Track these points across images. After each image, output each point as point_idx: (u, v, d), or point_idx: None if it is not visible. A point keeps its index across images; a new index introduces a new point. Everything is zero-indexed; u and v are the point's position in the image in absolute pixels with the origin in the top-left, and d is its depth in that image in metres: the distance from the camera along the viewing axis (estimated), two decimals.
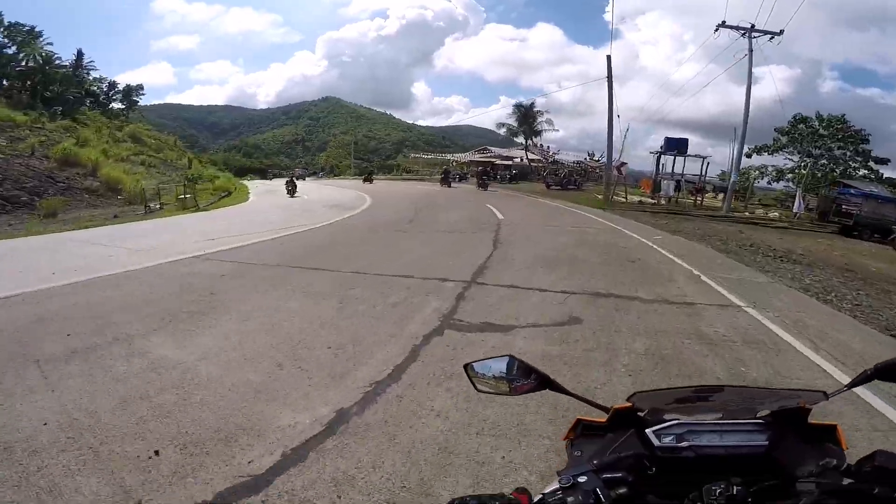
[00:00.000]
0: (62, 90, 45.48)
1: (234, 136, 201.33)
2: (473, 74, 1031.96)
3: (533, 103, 52.54)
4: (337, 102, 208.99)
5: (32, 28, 41.08)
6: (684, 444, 0.76)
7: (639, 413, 0.83)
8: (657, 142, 29.30)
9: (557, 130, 55.98)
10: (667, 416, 0.81)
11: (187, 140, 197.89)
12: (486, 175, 33.04)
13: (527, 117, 50.71)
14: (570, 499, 0.66)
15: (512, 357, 0.94)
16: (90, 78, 50.70)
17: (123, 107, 62.56)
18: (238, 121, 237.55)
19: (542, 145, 53.48)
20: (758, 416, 0.81)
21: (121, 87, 61.55)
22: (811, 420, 0.83)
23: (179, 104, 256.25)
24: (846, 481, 0.67)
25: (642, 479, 0.74)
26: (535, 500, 0.70)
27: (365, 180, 39.05)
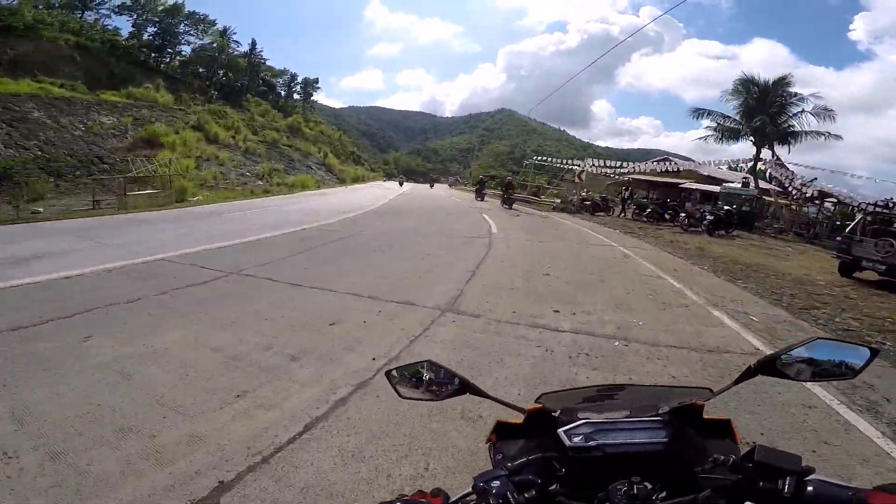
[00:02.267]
0: (232, 77, 50.21)
1: (423, 140, 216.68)
2: (667, 94, 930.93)
3: (783, 79, 23.91)
4: (511, 114, 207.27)
5: (206, 17, 45.58)
6: (592, 443, 0.76)
7: (552, 413, 0.84)
8: None
9: (839, 137, 22.99)
10: (578, 416, 0.82)
11: (385, 140, 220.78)
12: (511, 188, 22.20)
13: (765, 104, 23.52)
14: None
15: (431, 362, 0.93)
16: (263, 66, 55.47)
17: (299, 98, 68.26)
18: (427, 126, 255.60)
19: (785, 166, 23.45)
20: (659, 413, 0.82)
21: (300, 80, 67.46)
22: (707, 415, 0.86)
23: (384, 108, 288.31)
24: (735, 477, 0.68)
25: (553, 480, 0.75)
26: (449, 503, 0.71)
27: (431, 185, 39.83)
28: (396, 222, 13.17)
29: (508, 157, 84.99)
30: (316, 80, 66.46)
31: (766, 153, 23.73)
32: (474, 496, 0.69)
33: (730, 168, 25.80)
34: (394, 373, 0.96)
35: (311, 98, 66.87)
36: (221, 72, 48.35)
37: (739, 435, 0.87)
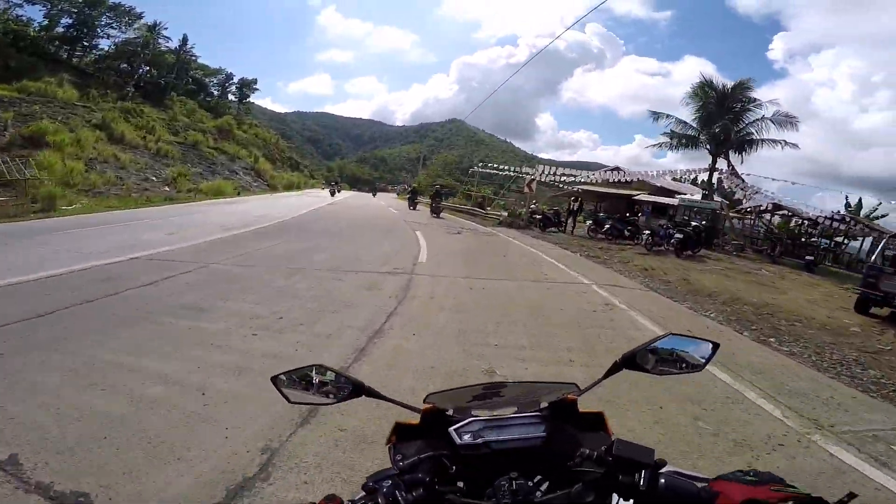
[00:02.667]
0: (156, 74, 46.57)
1: (372, 148, 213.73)
2: (605, 109, 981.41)
3: (743, 83, 22.81)
4: (461, 125, 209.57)
5: (132, 9, 41.98)
6: (480, 440, 0.79)
7: (446, 413, 0.86)
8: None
9: (795, 146, 21.89)
10: (469, 414, 0.85)
11: (332, 147, 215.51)
12: (439, 197, 22.11)
13: (723, 109, 22.26)
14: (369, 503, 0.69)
15: (321, 366, 0.91)
16: (194, 64, 51.83)
17: (235, 99, 64.62)
18: (377, 134, 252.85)
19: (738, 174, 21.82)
20: (541, 408, 0.87)
21: (236, 80, 63.89)
22: (582, 409, 0.90)
23: (333, 114, 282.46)
24: (601, 470, 0.70)
25: (445, 477, 0.76)
26: None
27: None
28: (288, 244, 10.37)
29: (456, 167, 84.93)
30: (254, 81, 63.20)
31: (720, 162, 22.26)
32: (366, 496, 0.70)
33: (674, 179, 23.97)
34: (281, 377, 0.91)
35: (248, 99, 63.41)
36: (146, 68, 44.64)
37: (611, 426, 0.91)
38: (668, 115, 23.81)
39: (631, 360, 0.88)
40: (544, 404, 0.88)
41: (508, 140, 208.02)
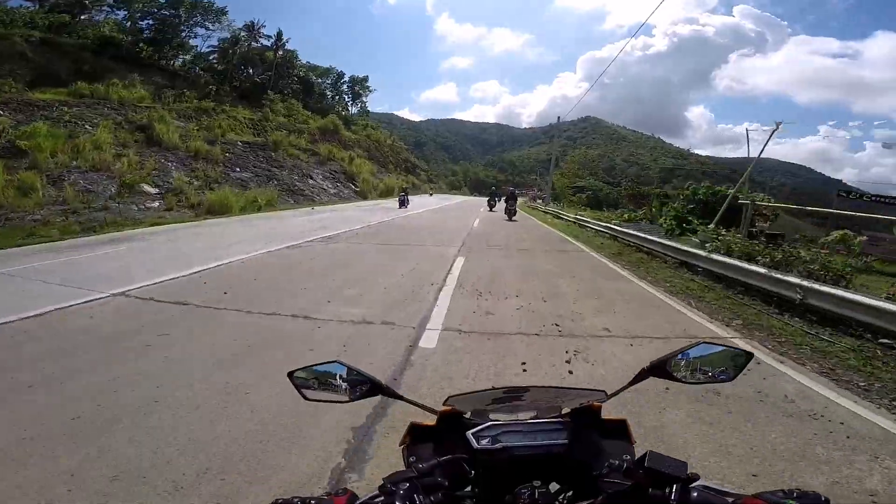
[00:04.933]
0: (253, 73, 42.10)
1: (500, 152, 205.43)
2: (776, 97, 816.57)
3: None
4: (596, 123, 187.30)
5: (212, 3, 37.40)
6: (498, 445, 0.75)
7: (463, 415, 0.83)
8: None
9: None
10: (487, 418, 0.81)
11: (461, 153, 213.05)
12: (514, 198, 19.38)
13: None
14: None
15: (339, 362, 0.86)
16: (298, 63, 46.82)
17: (348, 100, 59.28)
18: (504, 138, 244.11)
19: None
20: (562, 414, 0.84)
21: (347, 79, 58.45)
22: (605, 416, 0.85)
23: (461, 120, 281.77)
24: (628, 482, 0.66)
25: (463, 482, 0.73)
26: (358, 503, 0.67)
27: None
28: None
29: (598, 165, 66.56)
30: (365, 79, 57.20)
31: None
32: (381, 497, 0.65)
33: None
34: (298, 373, 0.86)
35: (362, 98, 57.54)
36: (245, 68, 40.46)
37: (634, 435, 0.86)
38: None
39: (660, 368, 0.84)
40: (566, 410, 0.85)
41: (657, 136, 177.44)
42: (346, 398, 0.85)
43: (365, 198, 28.31)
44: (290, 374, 0.86)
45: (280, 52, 45.11)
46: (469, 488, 0.72)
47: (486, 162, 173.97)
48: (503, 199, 22.01)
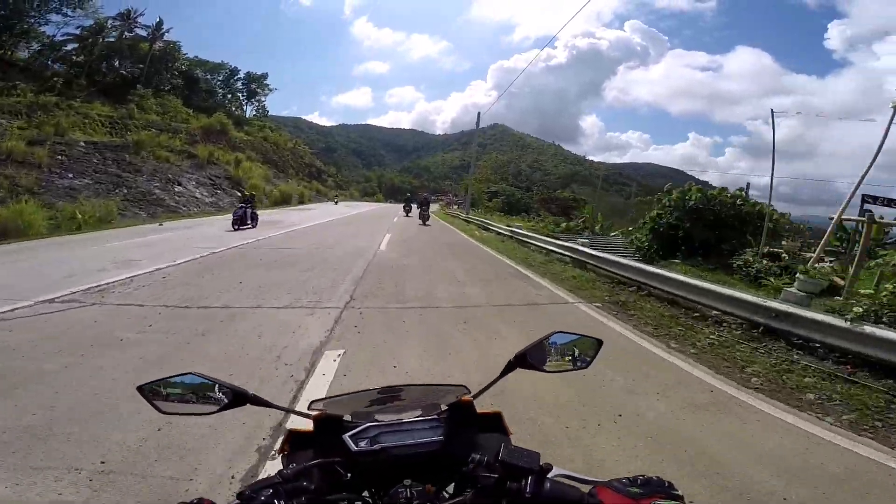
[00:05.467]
0: (119, 66, 36.29)
1: (415, 158, 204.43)
2: (654, 108, 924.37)
3: None
4: (504, 130, 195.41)
5: None
6: (377, 446, 0.74)
7: (342, 419, 0.82)
8: None
9: None
10: (368, 419, 0.81)
11: (375, 158, 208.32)
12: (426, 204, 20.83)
13: None
14: None
15: (194, 374, 0.81)
16: (180, 56, 41.18)
17: (243, 99, 53.89)
18: (419, 144, 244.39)
19: None
20: (438, 412, 0.84)
21: (242, 75, 53.08)
22: (480, 409, 0.87)
23: (375, 126, 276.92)
24: (493, 476, 0.67)
25: (339, 485, 0.72)
26: None
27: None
28: None
29: (506, 170, 68.01)
30: (264, 77, 52.39)
31: None
32: None
33: None
34: (149, 387, 0.80)
35: (259, 97, 52.57)
36: (117, 61, 34.37)
37: (509, 426, 0.87)
38: None
39: (523, 359, 0.85)
40: (444, 407, 0.85)
41: (557, 143, 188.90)
42: (208, 410, 0.80)
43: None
44: (140, 389, 0.80)
45: (159, 44, 39.25)
46: (343, 492, 0.71)
47: (401, 168, 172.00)
48: (418, 204, 22.46)
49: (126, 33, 37.36)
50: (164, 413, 0.79)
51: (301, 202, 34.36)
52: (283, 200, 30.66)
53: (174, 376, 0.80)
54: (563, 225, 27.05)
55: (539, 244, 11.48)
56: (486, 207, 45.18)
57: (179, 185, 20.76)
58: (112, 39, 35.61)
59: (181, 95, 39.51)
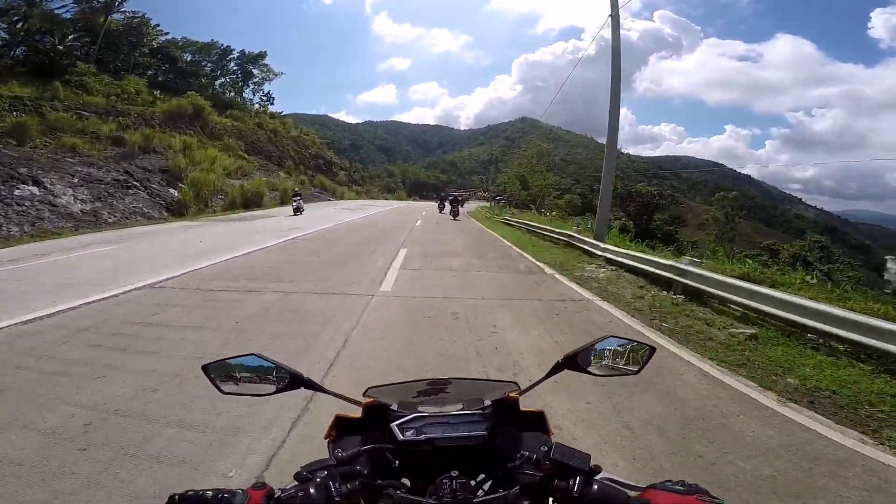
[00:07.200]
0: (56, 41, 28.94)
1: (441, 154, 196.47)
2: (688, 99, 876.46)
3: None
4: (533, 123, 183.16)
5: None
6: (422, 437, 0.74)
7: (390, 407, 0.82)
8: None
9: None
10: (413, 410, 0.80)
11: (402, 154, 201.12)
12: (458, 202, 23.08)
13: None
14: (300, 493, 0.62)
15: (256, 355, 0.83)
16: (150, 31, 33.74)
17: (238, 80, 46.22)
18: (444, 140, 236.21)
19: None
20: (484, 405, 0.82)
21: (236, 55, 45.39)
22: (524, 408, 0.86)
23: (401, 122, 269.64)
24: (538, 474, 0.67)
25: (385, 472, 0.72)
26: (276, 495, 0.63)
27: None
28: None
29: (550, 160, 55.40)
30: (262, 56, 44.52)
31: None
32: (298, 485, 0.63)
33: None
34: (213, 367, 0.82)
35: (255, 80, 44.76)
36: (55, 37, 27.14)
37: (551, 426, 0.87)
38: None
39: (572, 360, 0.85)
40: (488, 402, 0.83)
41: (590, 135, 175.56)
42: (266, 391, 0.82)
43: (183, 214, 16.61)
44: (205, 368, 0.81)
45: (116, 17, 31.66)
46: (391, 479, 0.71)
47: (426, 163, 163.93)
48: (448, 201, 23.72)
49: (84, 7, 30.09)
50: (225, 393, 0.80)
51: (284, 204, 26.00)
52: (249, 202, 22.38)
53: (237, 356, 0.81)
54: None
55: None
56: (556, 206, 35.52)
57: (36, 184, 12.65)
58: (54, 11, 28.31)
59: (147, 76, 31.91)
